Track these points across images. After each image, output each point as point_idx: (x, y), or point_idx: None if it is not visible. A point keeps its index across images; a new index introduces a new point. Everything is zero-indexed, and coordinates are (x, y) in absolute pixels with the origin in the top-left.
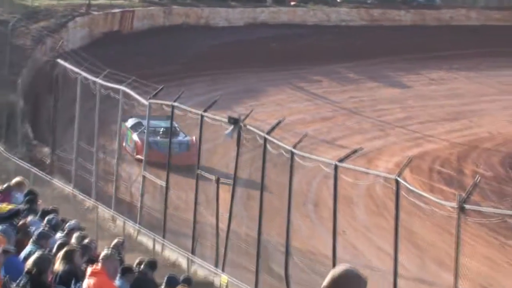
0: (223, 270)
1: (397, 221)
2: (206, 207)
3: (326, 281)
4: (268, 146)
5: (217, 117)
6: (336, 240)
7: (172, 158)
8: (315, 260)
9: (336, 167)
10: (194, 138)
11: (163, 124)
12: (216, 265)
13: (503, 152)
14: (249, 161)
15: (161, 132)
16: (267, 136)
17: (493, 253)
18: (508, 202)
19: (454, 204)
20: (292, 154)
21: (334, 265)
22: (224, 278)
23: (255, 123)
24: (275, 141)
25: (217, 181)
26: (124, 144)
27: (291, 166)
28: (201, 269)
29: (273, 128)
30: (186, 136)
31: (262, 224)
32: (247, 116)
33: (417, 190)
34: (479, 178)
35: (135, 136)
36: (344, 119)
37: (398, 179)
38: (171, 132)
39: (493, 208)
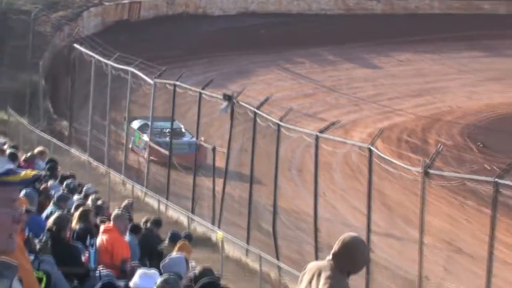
0: (219, 227)
1: (370, 184)
2: (204, 172)
3: (336, 247)
4: (257, 119)
5: (213, 94)
6: (317, 200)
7: (182, 158)
8: (299, 218)
9: (317, 137)
10: (202, 138)
11: (169, 125)
12: (213, 223)
13: (462, 124)
14: (241, 132)
15: (167, 133)
16: (257, 111)
17: (453, 212)
18: (466, 167)
19: (420, 169)
20: (279, 126)
21: (315, 222)
22: (220, 234)
23: (247, 99)
24: (264, 115)
25: (213, 149)
26: (130, 145)
27: (278, 137)
28: (200, 227)
29: (262, 104)
30: (193, 137)
31: (253, 187)
32: (239, 93)
33: (387, 157)
34: (441, 146)
35: (145, 138)
36: (324, 95)
37: (371, 147)
38: (172, 129)
39: (454, 172)
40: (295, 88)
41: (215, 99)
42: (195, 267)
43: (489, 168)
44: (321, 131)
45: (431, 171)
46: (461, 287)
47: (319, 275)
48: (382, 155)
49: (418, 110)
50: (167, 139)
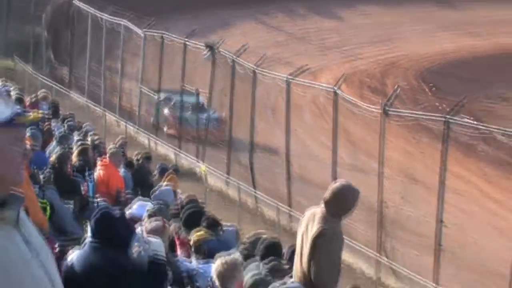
0: (203, 161)
1: (335, 123)
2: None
3: (327, 194)
4: (236, 66)
5: (197, 44)
6: (289, 137)
7: (205, 133)
8: (273, 153)
9: (288, 81)
10: (224, 113)
11: (192, 99)
12: (197, 157)
13: (417, 69)
14: (222, 78)
15: (190, 108)
16: (235, 58)
17: (409, 147)
18: (420, 107)
19: (379, 109)
20: (254, 71)
21: (287, 156)
22: (203, 167)
23: (227, 48)
24: (241, 62)
25: (197, 92)
26: (152, 119)
27: (254, 81)
28: (186, 161)
29: (239, 52)
30: (215, 111)
31: (232, 125)
32: (220, 43)
33: (350, 98)
34: (398, 88)
35: (166, 111)
36: (295, 45)
37: (336, 90)
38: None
39: (410, 111)
40: (269, 39)
41: (199, 50)
42: (182, 197)
43: (440, 107)
44: (292, 76)
45: (390, 110)
46: (416, 212)
47: (313, 219)
48: (346, 96)
49: (378, 57)
50: (189, 113)
